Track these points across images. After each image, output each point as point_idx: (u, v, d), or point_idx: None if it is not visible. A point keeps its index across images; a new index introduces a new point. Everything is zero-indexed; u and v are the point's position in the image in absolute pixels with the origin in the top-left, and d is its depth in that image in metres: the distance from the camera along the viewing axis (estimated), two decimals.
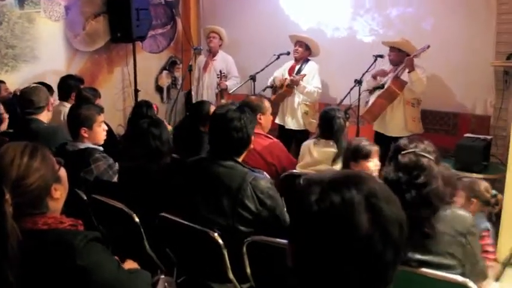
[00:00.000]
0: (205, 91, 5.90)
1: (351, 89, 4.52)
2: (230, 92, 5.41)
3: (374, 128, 4.90)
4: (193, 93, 6.02)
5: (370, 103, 4.66)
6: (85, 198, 2.66)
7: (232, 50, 6.01)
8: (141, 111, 4.09)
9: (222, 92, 5.66)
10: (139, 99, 5.73)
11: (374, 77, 4.73)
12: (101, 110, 3.15)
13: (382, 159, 4.06)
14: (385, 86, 4.52)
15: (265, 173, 2.61)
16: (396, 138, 5.05)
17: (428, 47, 4.33)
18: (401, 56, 4.59)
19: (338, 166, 3.13)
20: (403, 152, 1.90)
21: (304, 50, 5.17)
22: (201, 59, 6.07)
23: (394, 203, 0.97)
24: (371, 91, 4.72)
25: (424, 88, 4.48)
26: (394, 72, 4.58)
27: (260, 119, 3.37)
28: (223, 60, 5.84)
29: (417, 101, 4.65)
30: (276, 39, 5.64)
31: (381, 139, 4.79)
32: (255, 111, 3.27)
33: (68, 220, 1.58)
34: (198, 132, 3.66)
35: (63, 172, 1.66)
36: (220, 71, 5.65)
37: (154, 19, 6.25)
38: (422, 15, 5.08)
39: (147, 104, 4.19)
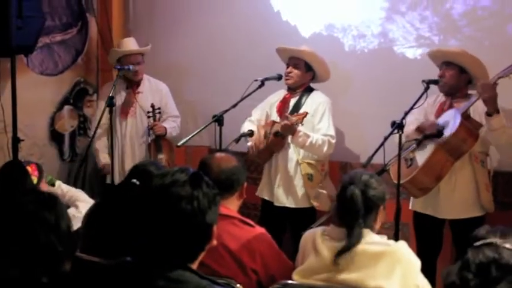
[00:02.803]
0: (128, 143, 5.98)
1: (386, 137, 4.50)
2: (179, 144, 5.33)
3: (412, 207, 4.94)
4: (97, 147, 6.04)
5: (419, 162, 4.70)
6: None
7: (179, 74, 6.18)
8: (12, 179, 4.06)
9: (158, 140, 5.78)
10: (20, 155, 5.74)
11: (421, 129, 4.80)
12: None
13: (427, 261, 4.01)
14: (447, 133, 4.57)
15: (239, 285, 2.62)
16: (459, 224, 4.91)
17: None
18: (462, 79, 4.75)
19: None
20: (477, 244, 2.05)
21: (304, 72, 5.29)
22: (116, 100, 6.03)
23: None
24: (420, 141, 4.77)
25: (507, 141, 4.59)
26: (456, 107, 4.66)
27: (242, 194, 3.42)
28: (152, 92, 6.01)
29: (486, 156, 4.77)
30: (257, 55, 5.80)
31: (425, 224, 4.89)
32: (232, 182, 3.32)
33: None
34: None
35: None
36: (153, 106, 5.81)
37: (49, 17, 6.37)
38: (510, 13, 5.11)
39: (19, 167, 4.14)
